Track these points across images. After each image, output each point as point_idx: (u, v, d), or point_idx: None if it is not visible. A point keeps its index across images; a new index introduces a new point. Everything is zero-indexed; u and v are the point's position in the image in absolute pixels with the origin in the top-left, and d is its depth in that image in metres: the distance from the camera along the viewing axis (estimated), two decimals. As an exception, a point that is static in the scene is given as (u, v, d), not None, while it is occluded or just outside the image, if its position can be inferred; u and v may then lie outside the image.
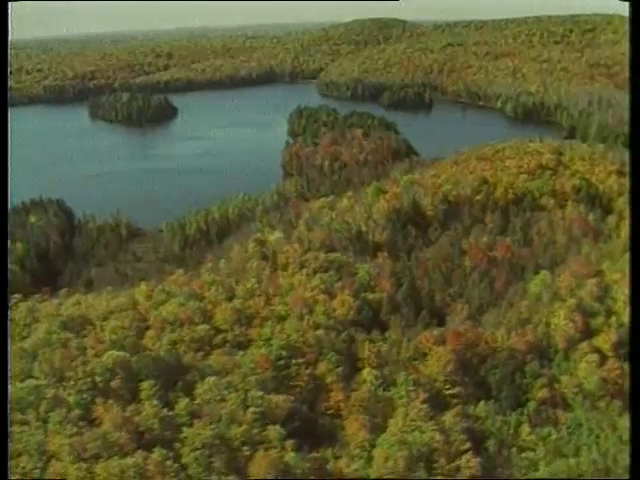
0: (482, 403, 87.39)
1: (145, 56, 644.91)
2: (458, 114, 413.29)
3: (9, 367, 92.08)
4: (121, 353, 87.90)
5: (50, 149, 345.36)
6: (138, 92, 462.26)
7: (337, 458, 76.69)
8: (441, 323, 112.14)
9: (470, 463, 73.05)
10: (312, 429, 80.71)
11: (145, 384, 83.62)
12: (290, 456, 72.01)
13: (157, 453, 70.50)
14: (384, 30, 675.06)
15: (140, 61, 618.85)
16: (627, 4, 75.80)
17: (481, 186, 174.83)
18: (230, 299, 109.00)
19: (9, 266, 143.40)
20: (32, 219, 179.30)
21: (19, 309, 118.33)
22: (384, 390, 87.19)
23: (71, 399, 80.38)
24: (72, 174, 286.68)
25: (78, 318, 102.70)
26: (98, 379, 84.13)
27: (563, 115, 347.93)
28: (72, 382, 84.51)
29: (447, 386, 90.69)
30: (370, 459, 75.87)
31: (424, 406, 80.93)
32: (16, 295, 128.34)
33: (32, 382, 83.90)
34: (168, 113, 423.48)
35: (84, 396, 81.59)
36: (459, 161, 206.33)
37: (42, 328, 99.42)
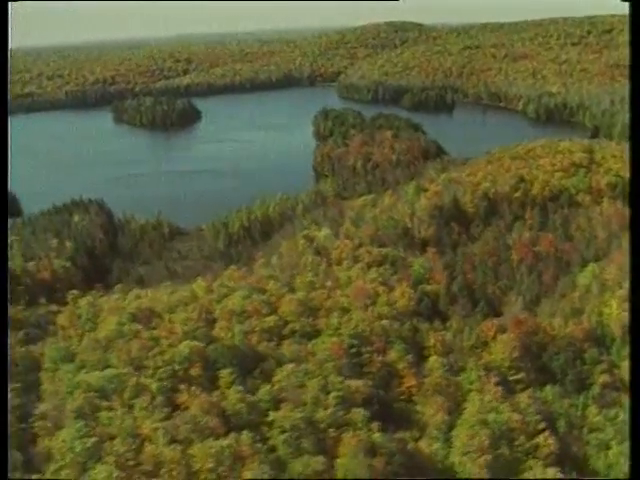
0: (548, 387, 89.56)
1: (164, 61, 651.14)
2: (479, 116, 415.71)
3: (83, 357, 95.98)
4: (196, 343, 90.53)
5: (76, 152, 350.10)
6: (159, 96, 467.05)
7: (416, 440, 78.98)
8: (496, 314, 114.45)
9: (548, 441, 75.31)
10: (389, 413, 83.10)
11: (224, 372, 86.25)
12: (377, 437, 74.46)
13: (246, 436, 72.94)
14: (400, 33, 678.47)
15: (159, 66, 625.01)
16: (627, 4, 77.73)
17: (518, 184, 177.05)
18: (291, 292, 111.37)
19: (62, 263, 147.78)
20: (76, 218, 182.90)
21: (80, 304, 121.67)
22: (453, 376, 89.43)
23: (153, 386, 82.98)
24: (101, 176, 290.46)
25: (145, 310, 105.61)
26: (177, 367, 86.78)
27: (586, 115, 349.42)
28: (151, 370, 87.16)
29: (512, 371, 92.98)
30: (448, 440, 78.25)
31: (498, 388, 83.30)
32: (73, 291, 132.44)
33: (112, 371, 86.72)
34: (192, 117, 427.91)
35: (165, 383, 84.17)
36: (493, 160, 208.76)
37: (112, 320, 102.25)
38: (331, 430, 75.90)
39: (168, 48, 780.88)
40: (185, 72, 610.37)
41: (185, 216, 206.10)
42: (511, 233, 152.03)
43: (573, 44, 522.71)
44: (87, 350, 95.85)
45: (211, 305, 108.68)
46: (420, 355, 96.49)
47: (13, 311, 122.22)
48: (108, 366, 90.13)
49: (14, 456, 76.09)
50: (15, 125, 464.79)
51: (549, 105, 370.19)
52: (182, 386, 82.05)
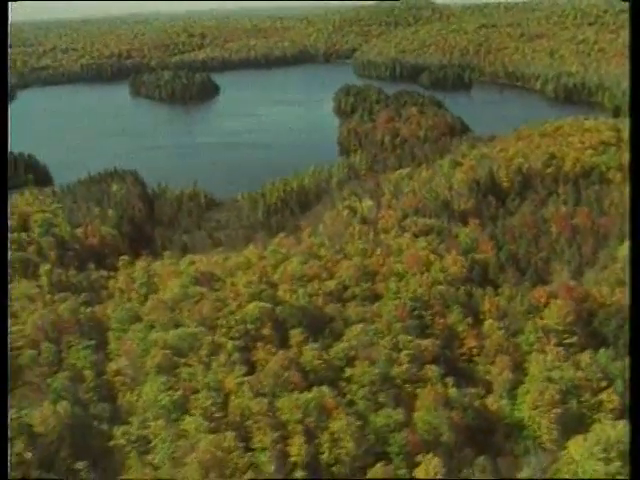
0: (602, 350, 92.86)
1: (178, 36, 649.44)
2: (497, 94, 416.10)
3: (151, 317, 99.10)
4: (265, 304, 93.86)
5: (97, 124, 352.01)
6: (176, 71, 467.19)
7: (482, 397, 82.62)
8: (543, 282, 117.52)
9: (611, 397, 78.89)
10: (455, 371, 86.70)
11: (294, 331, 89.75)
12: (452, 391, 78.16)
13: (327, 390, 76.62)
14: (413, 11, 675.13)
15: (174, 40, 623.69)
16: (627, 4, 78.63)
17: (550, 160, 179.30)
18: (346, 258, 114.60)
19: (109, 230, 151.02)
20: (114, 187, 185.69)
21: (135, 268, 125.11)
22: (511, 338, 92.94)
23: (229, 345, 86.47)
24: (124, 148, 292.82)
25: (206, 274, 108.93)
26: (249, 327, 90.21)
27: (605, 95, 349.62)
28: (224, 330, 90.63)
29: (566, 335, 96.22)
30: (514, 397, 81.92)
31: (560, 349, 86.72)
32: (124, 257, 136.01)
33: (186, 330, 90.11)
34: (210, 91, 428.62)
35: (238, 342, 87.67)
36: (522, 137, 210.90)
37: (176, 283, 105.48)
38: (407, 386, 79.47)
39: (180, 23, 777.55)
40: (200, 47, 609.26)
41: (213, 187, 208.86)
42: (546, 207, 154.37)
43: (589, 24, 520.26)
44: (154, 311, 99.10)
45: (268, 270, 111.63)
46: (476, 319, 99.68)
47: (66, 275, 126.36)
48: (179, 325, 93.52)
49: (101, 407, 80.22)
50: (33, 97, 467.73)
51: (568, 85, 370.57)
52: (258, 344, 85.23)
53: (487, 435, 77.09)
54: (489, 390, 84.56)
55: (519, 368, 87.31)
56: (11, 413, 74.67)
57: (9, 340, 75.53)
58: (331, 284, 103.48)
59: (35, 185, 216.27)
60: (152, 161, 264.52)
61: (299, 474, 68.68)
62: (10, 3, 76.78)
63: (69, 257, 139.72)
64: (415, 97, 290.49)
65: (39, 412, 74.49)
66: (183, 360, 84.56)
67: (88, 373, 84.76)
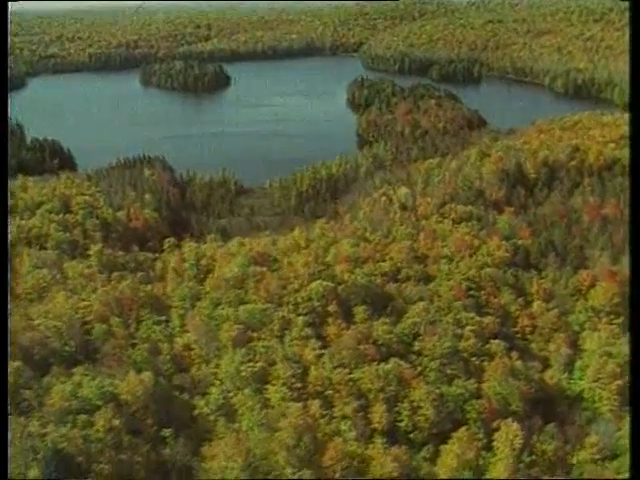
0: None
1: (185, 27, 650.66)
2: (505, 89, 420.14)
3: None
4: (328, 282, 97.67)
5: (109, 113, 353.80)
6: (184, 61, 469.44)
7: (540, 372, 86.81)
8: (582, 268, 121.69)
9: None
10: (514, 347, 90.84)
11: (359, 308, 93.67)
12: (517, 364, 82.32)
13: (399, 362, 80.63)
14: (418, 5, 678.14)
15: (181, 31, 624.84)
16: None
17: (574, 153, 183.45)
18: (394, 241, 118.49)
19: (151, 213, 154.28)
20: (147, 173, 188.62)
21: (184, 250, 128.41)
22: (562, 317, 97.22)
23: (299, 320, 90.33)
24: (140, 136, 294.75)
25: (264, 255, 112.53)
26: (316, 304, 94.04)
27: (615, 91, 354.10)
28: (291, 306, 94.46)
29: (612, 316, 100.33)
30: (571, 371, 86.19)
31: (613, 327, 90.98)
32: (170, 239, 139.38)
33: (256, 306, 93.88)
34: (222, 81, 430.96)
35: (307, 318, 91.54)
36: (543, 130, 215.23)
37: (235, 263, 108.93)
38: (473, 359, 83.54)
39: (184, 14, 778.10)
40: (206, 38, 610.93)
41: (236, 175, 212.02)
42: (574, 198, 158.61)
43: (595, 21, 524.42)
44: (218, 289, 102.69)
45: (320, 251, 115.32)
46: (525, 299, 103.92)
47: (114, 256, 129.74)
48: (245, 302, 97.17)
49: (181, 378, 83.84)
50: (43, 85, 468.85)
51: (577, 81, 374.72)
52: (329, 319, 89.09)
53: (550, 405, 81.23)
54: (545, 365, 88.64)
55: (574, 345, 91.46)
56: (96, 382, 78.64)
57: (9, 340, 76.37)
58: (385, 265, 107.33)
59: (59, 170, 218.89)
60: (169, 149, 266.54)
61: (379, 440, 72.27)
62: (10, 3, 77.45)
63: (113, 239, 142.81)
64: (431, 90, 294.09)
65: (125, 382, 77.87)
66: (255, 334, 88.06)
67: (165, 346, 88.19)
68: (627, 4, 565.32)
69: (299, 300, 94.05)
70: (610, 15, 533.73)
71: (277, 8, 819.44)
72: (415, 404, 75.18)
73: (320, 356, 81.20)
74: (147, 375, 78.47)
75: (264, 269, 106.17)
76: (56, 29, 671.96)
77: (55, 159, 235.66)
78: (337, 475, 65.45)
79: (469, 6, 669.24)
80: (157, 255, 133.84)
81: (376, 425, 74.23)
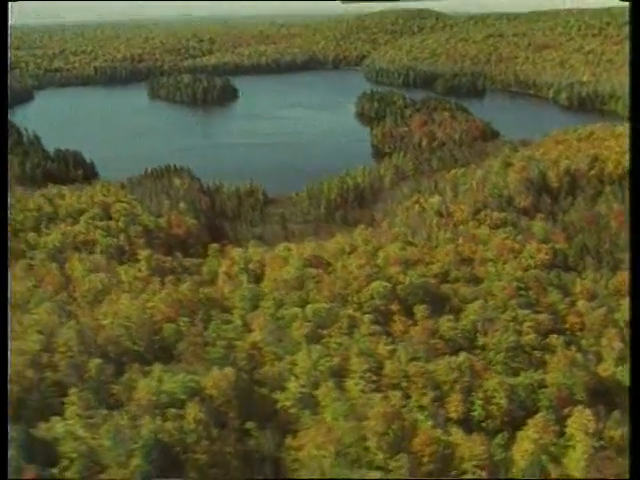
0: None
1: (187, 40, 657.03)
2: (508, 102, 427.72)
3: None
4: (387, 283, 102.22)
5: (120, 125, 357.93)
6: (188, 74, 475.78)
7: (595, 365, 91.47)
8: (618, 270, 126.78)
9: None
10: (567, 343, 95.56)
11: (419, 307, 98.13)
12: (578, 356, 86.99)
13: (466, 356, 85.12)
14: (417, 20, 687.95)
15: (184, 45, 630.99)
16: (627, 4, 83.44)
17: (593, 162, 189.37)
18: (438, 245, 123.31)
19: (192, 220, 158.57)
20: (177, 182, 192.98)
21: (231, 255, 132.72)
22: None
23: (365, 318, 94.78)
24: (153, 148, 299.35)
25: (317, 257, 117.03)
26: (378, 302, 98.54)
27: (619, 103, 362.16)
28: (355, 305, 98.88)
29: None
30: (624, 365, 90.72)
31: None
32: (214, 245, 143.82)
33: (320, 305, 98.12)
34: (229, 94, 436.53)
35: (372, 316, 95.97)
36: (559, 141, 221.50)
37: (292, 265, 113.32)
38: (535, 352, 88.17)
39: (186, 28, 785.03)
40: (210, 52, 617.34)
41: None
42: (598, 205, 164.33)
43: (594, 35, 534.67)
44: (278, 290, 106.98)
45: (367, 255, 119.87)
46: (570, 299, 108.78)
47: (162, 260, 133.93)
48: (307, 302, 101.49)
49: (258, 373, 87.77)
50: (51, 98, 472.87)
51: (581, 93, 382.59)
52: (395, 317, 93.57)
53: (610, 396, 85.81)
54: (598, 359, 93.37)
55: (624, 340, 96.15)
56: (180, 378, 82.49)
57: (9, 340, 76.09)
58: (434, 268, 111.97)
59: (84, 181, 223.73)
60: (184, 160, 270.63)
61: (453, 431, 76.40)
62: (10, 3, 77.69)
63: (156, 245, 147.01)
64: (443, 103, 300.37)
65: (209, 377, 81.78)
66: (325, 332, 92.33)
67: (238, 344, 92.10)
68: (625, 17, 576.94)
69: (362, 299, 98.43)
70: (608, 29, 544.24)
71: (278, 22, 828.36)
72: (488, 394, 79.35)
73: (393, 351, 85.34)
74: (230, 370, 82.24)
75: (320, 271, 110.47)
76: (58, 43, 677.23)
77: (79, 169, 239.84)
78: (426, 459, 69.34)
79: (467, 20, 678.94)
80: (202, 260, 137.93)
81: (452, 415, 78.25)
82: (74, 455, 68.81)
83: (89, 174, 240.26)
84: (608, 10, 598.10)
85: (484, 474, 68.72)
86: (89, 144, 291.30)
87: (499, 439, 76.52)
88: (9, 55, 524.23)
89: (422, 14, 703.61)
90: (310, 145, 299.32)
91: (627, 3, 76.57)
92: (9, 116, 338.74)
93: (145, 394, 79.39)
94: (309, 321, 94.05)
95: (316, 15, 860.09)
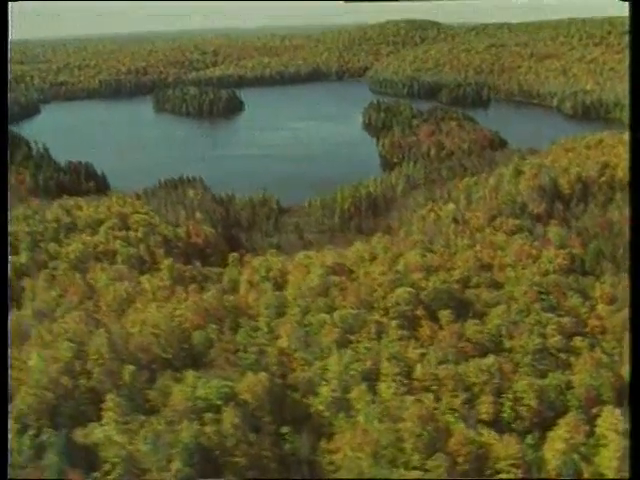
0: None
1: (191, 53, 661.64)
2: (513, 111, 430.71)
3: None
4: (411, 289, 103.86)
5: (126, 138, 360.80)
6: (192, 87, 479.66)
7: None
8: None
9: None
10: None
11: (444, 312, 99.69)
12: (603, 358, 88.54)
13: (494, 358, 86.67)
14: (419, 31, 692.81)
15: (188, 57, 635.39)
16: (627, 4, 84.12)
17: (604, 169, 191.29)
18: (457, 252, 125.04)
19: (210, 230, 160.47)
20: (191, 193, 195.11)
21: (252, 264, 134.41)
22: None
23: (393, 323, 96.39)
24: (162, 160, 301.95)
25: (340, 265, 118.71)
26: (404, 308, 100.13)
27: (623, 112, 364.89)
28: (381, 311, 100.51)
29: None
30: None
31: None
32: (234, 254, 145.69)
33: (347, 311, 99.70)
34: (236, 106, 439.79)
35: (398, 321, 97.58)
36: (568, 149, 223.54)
37: (315, 273, 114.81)
38: (561, 354, 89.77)
39: (188, 41, 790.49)
40: (214, 64, 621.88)
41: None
42: (610, 211, 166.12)
43: (595, 44, 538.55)
44: (302, 298, 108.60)
45: (388, 262, 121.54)
46: (590, 303, 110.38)
47: (183, 270, 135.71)
48: (333, 309, 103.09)
49: (291, 379, 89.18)
50: (57, 111, 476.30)
51: (585, 102, 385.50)
52: (422, 321, 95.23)
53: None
54: (622, 362, 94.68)
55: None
56: (214, 383, 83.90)
57: (9, 340, 76.89)
58: (455, 273, 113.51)
59: (96, 192, 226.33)
60: (192, 172, 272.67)
61: (485, 432, 77.84)
62: (10, 3, 75.81)
63: (175, 255, 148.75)
64: (450, 113, 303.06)
65: (243, 382, 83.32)
66: (354, 337, 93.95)
67: (270, 350, 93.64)
68: (625, 27, 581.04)
69: (388, 305, 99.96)
70: (609, 39, 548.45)
71: (280, 34, 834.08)
72: (518, 395, 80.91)
73: (422, 354, 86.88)
74: (263, 375, 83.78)
75: (343, 278, 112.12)
76: (62, 57, 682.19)
77: (91, 181, 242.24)
78: (462, 459, 70.79)
79: (468, 31, 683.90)
80: (222, 269, 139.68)
81: (483, 416, 79.76)
82: (116, 460, 70.09)
83: (101, 186, 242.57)
84: (609, 19, 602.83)
85: (520, 473, 69.97)
86: (97, 156, 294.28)
87: (529, 439, 77.87)
88: (13, 68, 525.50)
89: (423, 25, 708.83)
90: (318, 156, 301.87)
91: (626, 5, 77.40)
92: (16, 129, 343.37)
93: (180, 400, 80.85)
94: (337, 327, 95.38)
95: (317, 26, 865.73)
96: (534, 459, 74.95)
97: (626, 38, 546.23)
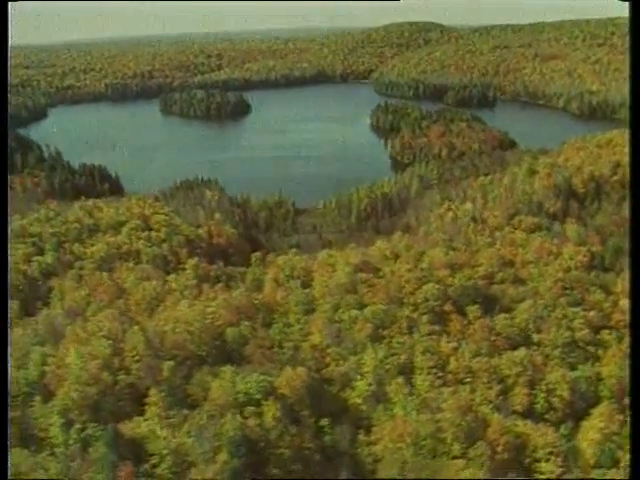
0: None
1: (196, 57, 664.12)
2: (518, 112, 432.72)
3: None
4: (439, 285, 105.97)
5: (134, 141, 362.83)
6: (202, 89, 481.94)
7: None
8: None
9: None
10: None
11: (472, 307, 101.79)
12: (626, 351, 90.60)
13: (526, 351, 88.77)
14: (423, 33, 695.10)
15: (193, 61, 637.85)
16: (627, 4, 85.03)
17: (616, 168, 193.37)
18: (480, 250, 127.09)
19: (232, 230, 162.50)
20: (208, 194, 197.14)
21: (277, 263, 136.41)
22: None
23: (423, 318, 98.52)
24: (172, 162, 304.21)
25: (366, 263, 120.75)
26: (433, 304, 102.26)
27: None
28: (411, 307, 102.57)
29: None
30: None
31: None
32: (257, 253, 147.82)
33: (378, 307, 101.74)
34: (242, 109, 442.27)
35: (428, 316, 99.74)
36: (579, 148, 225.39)
37: (341, 272, 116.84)
38: (589, 347, 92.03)
39: (193, 44, 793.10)
40: (219, 67, 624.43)
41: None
42: (623, 210, 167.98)
43: (599, 45, 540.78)
44: (329, 295, 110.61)
45: (411, 259, 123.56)
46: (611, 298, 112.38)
47: (208, 269, 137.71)
48: (363, 305, 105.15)
49: (328, 374, 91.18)
50: (64, 115, 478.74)
51: (592, 103, 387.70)
52: (452, 316, 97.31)
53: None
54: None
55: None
56: (254, 378, 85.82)
57: (9, 340, 77.81)
58: (480, 270, 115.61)
59: (111, 194, 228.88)
60: (205, 174, 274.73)
61: (520, 422, 79.80)
62: (10, 3, 75.42)
63: (198, 254, 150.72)
64: (458, 114, 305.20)
65: (282, 377, 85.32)
66: (386, 332, 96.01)
67: (304, 345, 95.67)
68: (627, 28, 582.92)
69: (418, 301, 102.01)
70: (613, 39, 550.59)
71: (284, 37, 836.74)
72: (550, 387, 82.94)
73: (455, 348, 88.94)
74: (302, 370, 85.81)
75: (370, 275, 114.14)
76: (67, 61, 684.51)
77: (105, 184, 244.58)
78: (501, 448, 72.81)
79: (472, 32, 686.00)
80: (245, 268, 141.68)
81: (517, 407, 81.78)
82: (164, 452, 71.86)
83: (115, 188, 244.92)
84: (612, 20, 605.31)
85: (559, 460, 71.97)
86: (107, 159, 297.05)
87: (563, 429, 79.82)
88: (19, 73, 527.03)
89: (427, 27, 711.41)
90: (327, 157, 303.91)
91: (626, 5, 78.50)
92: (24, 133, 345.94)
93: (220, 394, 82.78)
94: (369, 322, 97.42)
95: (320, 29, 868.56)
96: (569, 448, 76.86)
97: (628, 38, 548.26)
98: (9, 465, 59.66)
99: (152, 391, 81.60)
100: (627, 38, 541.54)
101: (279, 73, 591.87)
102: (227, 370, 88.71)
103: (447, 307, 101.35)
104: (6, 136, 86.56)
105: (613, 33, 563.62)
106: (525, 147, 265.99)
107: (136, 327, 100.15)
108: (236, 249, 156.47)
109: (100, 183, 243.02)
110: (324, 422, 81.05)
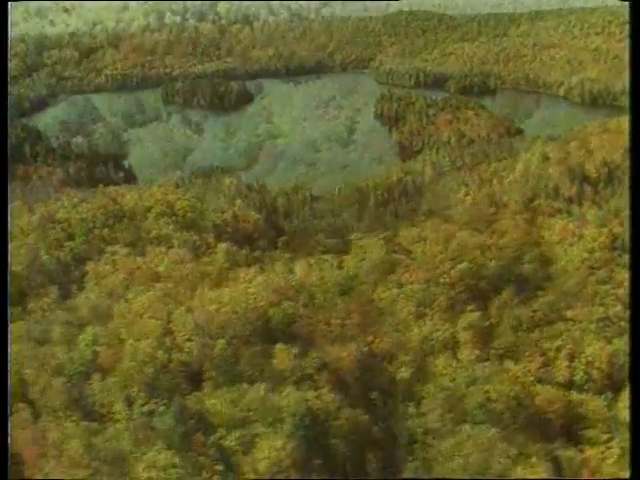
0: None
1: (194, 46, 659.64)
2: (519, 100, 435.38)
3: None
4: (471, 265, 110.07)
5: (138, 131, 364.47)
6: (205, 78, 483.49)
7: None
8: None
9: None
10: None
11: (507, 286, 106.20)
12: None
13: (564, 325, 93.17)
14: (420, 22, 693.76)
15: (191, 51, 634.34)
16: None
17: (626, 153, 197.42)
18: (504, 232, 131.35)
19: (258, 216, 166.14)
20: (227, 181, 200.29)
21: (306, 246, 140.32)
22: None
23: (461, 296, 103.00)
24: (180, 152, 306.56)
25: (395, 245, 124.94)
26: (470, 282, 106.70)
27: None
28: (447, 286, 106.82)
29: None
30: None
31: None
32: (283, 238, 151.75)
33: (416, 286, 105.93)
34: (245, 98, 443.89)
35: (465, 295, 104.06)
36: (588, 134, 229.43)
37: (375, 254, 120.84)
38: (622, 323, 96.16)
39: (191, 34, 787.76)
40: (218, 57, 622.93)
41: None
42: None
43: (597, 33, 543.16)
44: (364, 275, 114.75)
45: (441, 242, 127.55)
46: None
47: (237, 253, 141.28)
48: (401, 285, 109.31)
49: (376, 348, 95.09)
50: (66, 105, 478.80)
51: (592, 90, 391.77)
52: (487, 294, 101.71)
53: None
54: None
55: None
56: (306, 353, 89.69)
57: (9, 339, 77.11)
58: (508, 251, 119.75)
59: (126, 182, 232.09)
60: (217, 162, 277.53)
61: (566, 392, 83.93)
62: (10, 3, 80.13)
63: (225, 239, 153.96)
64: (465, 102, 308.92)
65: (335, 353, 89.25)
66: (426, 310, 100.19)
67: (349, 323, 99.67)
68: (626, 16, 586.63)
69: (454, 280, 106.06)
70: (610, 28, 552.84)
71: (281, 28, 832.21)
72: (590, 359, 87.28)
73: (495, 324, 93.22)
74: (352, 345, 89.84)
75: (403, 256, 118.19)
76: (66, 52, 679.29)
77: (120, 172, 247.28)
78: (552, 416, 77.15)
79: (470, 21, 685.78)
80: (273, 252, 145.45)
81: (559, 379, 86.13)
82: (230, 424, 75.38)
83: (129, 176, 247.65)
84: (608, 8, 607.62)
85: (605, 427, 76.31)
86: (113, 149, 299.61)
87: (603, 400, 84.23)
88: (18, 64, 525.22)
89: (425, 16, 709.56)
90: (333, 145, 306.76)
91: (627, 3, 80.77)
92: (28, 123, 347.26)
93: (275, 370, 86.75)
94: (410, 301, 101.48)
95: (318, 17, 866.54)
96: (610, 417, 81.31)
97: (627, 27, 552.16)
98: (9, 465, 59.53)
99: (207, 367, 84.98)
100: (625, 26, 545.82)
101: (278, 62, 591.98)
102: (278, 348, 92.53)
103: (483, 285, 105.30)
104: (6, 136, 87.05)
105: (610, 22, 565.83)
106: (530, 134, 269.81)
107: (182, 308, 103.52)
108: (261, 234, 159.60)
109: (114, 172, 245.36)
110: (374, 395, 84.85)
